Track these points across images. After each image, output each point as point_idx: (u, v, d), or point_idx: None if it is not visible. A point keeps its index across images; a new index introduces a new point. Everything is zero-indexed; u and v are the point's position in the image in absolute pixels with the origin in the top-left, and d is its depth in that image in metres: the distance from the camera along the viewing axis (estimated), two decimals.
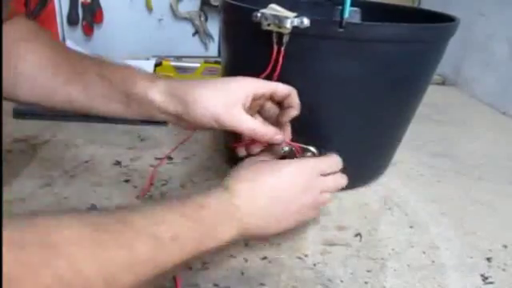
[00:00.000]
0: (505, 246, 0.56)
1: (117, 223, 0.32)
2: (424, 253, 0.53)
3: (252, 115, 0.48)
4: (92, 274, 0.28)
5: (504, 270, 0.51)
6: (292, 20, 0.47)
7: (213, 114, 0.44)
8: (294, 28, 0.47)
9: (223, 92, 0.45)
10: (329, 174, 0.49)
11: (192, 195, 0.39)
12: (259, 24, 0.48)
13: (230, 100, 0.45)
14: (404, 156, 0.79)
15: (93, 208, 0.56)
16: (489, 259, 0.53)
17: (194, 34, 1.35)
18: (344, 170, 0.51)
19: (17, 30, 0.46)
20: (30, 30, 0.48)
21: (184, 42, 1.34)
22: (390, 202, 0.64)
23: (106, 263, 0.29)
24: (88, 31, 1.25)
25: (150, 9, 1.29)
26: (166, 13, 1.31)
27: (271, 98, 0.51)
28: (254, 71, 0.51)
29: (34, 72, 0.45)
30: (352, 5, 0.49)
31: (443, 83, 1.30)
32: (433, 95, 1.17)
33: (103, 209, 0.48)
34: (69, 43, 1.20)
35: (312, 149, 0.51)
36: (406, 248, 0.54)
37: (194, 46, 1.35)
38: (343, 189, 0.51)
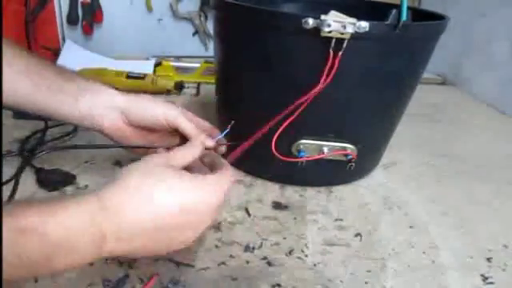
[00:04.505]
0: (505, 246, 0.56)
1: None
2: (424, 253, 0.53)
3: None
4: None
5: (504, 270, 0.51)
6: (355, 25, 0.48)
7: (162, 108, 0.51)
8: (355, 33, 0.49)
9: (166, 103, 0.53)
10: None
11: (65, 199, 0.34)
12: (305, 29, 0.50)
13: (173, 106, 0.53)
14: (404, 156, 0.79)
15: None
16: (489, 259, 0.53)
17: (193, 34, 1.35)
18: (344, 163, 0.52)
19: None
20: None
21: (184, 41, 1.34)
22: (390, 202, 0.64)
23: None
24: (88, 31, 1.25)
25: (149, 9, 1.29)
26: (165, 13, 1.31)
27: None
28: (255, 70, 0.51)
29: None
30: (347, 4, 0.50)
31: (443, 83, 1.30)
32: (433, 95, 1.18)
33: None
34: (69, 43, 1.20)
35: None
36: (406, 248, 0.54)
37: (193, 45, 1.35)
38: (342, 183, 0.51)
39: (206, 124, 0.55)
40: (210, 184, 0.40)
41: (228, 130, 0.53)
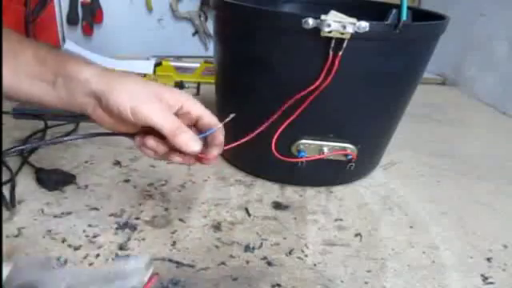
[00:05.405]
0: (505, 246, 0.56)
1: None
2: (424, 253, 0.53)
3: None
4: None
5: (504, 270, 0.51)
6: (355, 24, 0.48)
7: (132, 100, 0.41)
8: (355, 33, 0.49)
9: (151, 90, 0.43)
10: None
11: None
12: (305, 29, 0.49)
13: (154, 95, 0.43)
14: (404, 156, 0.79)
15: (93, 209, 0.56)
16: (489, 259, 0.53)
17: (193, 34, 1.35)
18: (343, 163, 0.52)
19: None
20: None
21: (184, 41, 1.34)
22: (390, 202, 0.64)
23: None
24: (88, 31, 1.25)
25: (149, 9, 1.29)
26: (165, 13, 1.31)
27: (195, 125, 0.46)
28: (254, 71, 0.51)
29: None
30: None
31: (443, 83, 1.30)
32: (433, 95, 1.18)
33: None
34: (69, 43, 1.20)
35: None
36: (406, 248, 0.54)
37: (193, 45, 1.35)
38: (342, 183, 0.50)
39: (190, 103, 0.45)
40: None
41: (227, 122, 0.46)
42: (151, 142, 0.45)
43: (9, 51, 0.43)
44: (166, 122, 0.42)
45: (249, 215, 0.58)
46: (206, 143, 0.46)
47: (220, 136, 0.46)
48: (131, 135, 0.46)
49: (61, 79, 0.43)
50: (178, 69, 1.12)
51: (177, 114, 0.44)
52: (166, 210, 0.57)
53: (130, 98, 0.41)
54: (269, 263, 0.49)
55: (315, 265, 0.49)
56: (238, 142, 0.52)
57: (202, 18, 1.32)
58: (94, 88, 0.42)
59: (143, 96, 0.42)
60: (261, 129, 0.54)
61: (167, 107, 0.43)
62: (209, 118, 0.45)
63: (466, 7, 1.19)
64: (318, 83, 0.52)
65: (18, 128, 0.76)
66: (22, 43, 0.45)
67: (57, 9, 1.21)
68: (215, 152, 0.46)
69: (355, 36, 0.49)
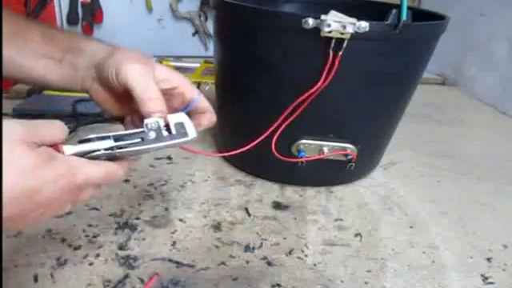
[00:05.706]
0: (505, 246, 0.56)
1: None
2: (424, 253, 0.53)
3: None
4: None
5: (504, 270, 0.51)
6: (355, 25, 0.48)
7: (122, 58, 0.41)
8: (355, 33, 0.49)
9: (147, 59, 0.43)
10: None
11: None
12: (306, 29, 0.49)
13: (144, 59, 0.42)
14: (404, 156, 0.79)
15: (93, 209, 0.56)
16: (489, 259, 0.53)
17: (193, 34, 1.35)
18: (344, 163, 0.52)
19: None
20: None
21: (184, 41, 1.34)
22: (390, 202, 0.64)
23: None
24: (88, 31, 1.25)
25: (149, 9, 1.29)
26: (165, 13, 1.31)
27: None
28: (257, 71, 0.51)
29: None
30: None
31: (443, 83, 1.30)
32: (433, 95, 1.18)
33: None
34: None
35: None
36: (406, 248, 0.54)
37: (193, 45, 1.35)
38: (342, 183, 0.50)
39: (186, 85, 0.45)
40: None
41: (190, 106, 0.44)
42: (136, 118, 0.45)
43: (15, 31, 0.45)
44: (141, 84, 0.40)
45: (249, 215, 0.58)
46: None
47: (201, 103, 0.46)
48: (122, 119, 0.46)
49: (70, 55, 0.44)
50: (178, 69, 1.12)
51: (170, 94, 0.44)
52: (166, 209, 0.57)
53: (122, 57, 0.41)
54: (269, 263, 0.49)
55: (315, 265, 0.49)
56: (242, 149, 0.52)
57: (202, 18, 1.33)
58: (100, 57, 0.43)
59: (134, 56, 0.41)
60: (263, 136, 0.54)
61: (152, 75, 0.41)
62: (189, 90, 0.45)
63: (466, 7, 1.19)
64: (318, 85, 0.52)
65: None
66: (29, 24, 0.46)
67: (57, 9, 1.22)
68: (205, 120, 0.46)
69: (355, 36, 0.49)
